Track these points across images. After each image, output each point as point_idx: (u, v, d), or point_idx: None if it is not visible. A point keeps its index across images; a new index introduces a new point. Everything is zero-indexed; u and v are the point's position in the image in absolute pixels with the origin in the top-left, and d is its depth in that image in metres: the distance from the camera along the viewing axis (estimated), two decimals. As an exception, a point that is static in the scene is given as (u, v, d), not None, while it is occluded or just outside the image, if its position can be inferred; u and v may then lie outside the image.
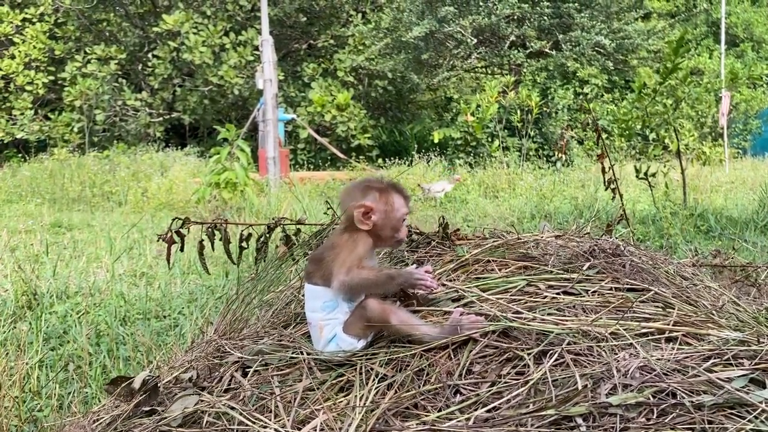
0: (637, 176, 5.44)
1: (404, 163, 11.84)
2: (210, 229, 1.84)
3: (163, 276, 4.34)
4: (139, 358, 2.84)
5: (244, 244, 1.93)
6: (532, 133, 12.08)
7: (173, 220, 1.81)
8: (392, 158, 12.76)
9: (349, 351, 1.53)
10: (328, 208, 2.00)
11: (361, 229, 1.61)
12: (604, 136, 3.14)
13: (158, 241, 1.76)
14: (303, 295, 1.72)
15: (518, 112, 12.10)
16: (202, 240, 1.89)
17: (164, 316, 3.53)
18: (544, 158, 11.97)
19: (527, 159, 11.62)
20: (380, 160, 13.35)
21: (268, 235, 1.92)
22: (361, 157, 14.27)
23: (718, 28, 16.86)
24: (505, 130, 12.10)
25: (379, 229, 1.63)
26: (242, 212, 7.16)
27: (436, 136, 13.11)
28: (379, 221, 1.62)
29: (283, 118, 12.57)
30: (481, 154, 11.65)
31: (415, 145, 13.76)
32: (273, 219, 1.91)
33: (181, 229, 1.79)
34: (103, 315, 3.47)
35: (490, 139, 11.90)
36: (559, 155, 11.90)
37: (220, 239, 1.89)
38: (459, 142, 12.13)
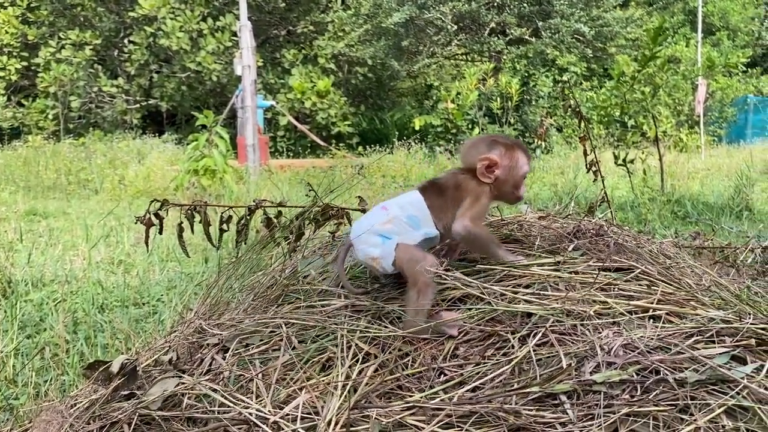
0: (615, 163, 5.48)
1: (385, 151, 11.80)
2: (189, 211, 1.81)
3: (141, 263, 4.29)
4: (117, 345, 2.79)
5: (224, 226, 1.91)
6: (512, 120, 12.11)
7: (151, 201, 1.78)
8: (373, 146, 12.71)
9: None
10: (309, 190, 1.98)
11: (484, 182, 1.63)
12: (583, 123, 3.14)
13: (136, 223, 1.72)
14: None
15: (498, 99, 12.11)
16: (181, 222, 1.86)
17: (143, 304, 3.49)
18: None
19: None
20: (360, 148, 13.30)
21: (248, 218, 1.90)
22: (341, 144, 14.20)
23: (695, 16, 16.99)
24: (486, 118, 12.11)
25: (500, 184, 1.64)
26: (221, 200, 7.10)
27: (417, 124, 13.09)
28: (502, 176, 1.64)
29: (262, 104, 12.46)
30: (462, 141, 11.65)
31: (396, 133, 13.72)
32: (254, 201, 1.88)
33: (159, 212, 1.76)
34: (81, 302, 3.42)
35: (470, 127, 11.91)
36: (539, 142, 11.94)
37: (200, 222, 1.86)
38: (439, 129, 12.12)
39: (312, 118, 15.23)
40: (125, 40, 15.67)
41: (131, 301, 3.50)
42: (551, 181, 8.17)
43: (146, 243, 1.79)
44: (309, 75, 15.61)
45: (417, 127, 13.02)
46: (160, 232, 1.82)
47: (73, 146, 11.22)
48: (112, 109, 15.34)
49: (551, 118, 12.83)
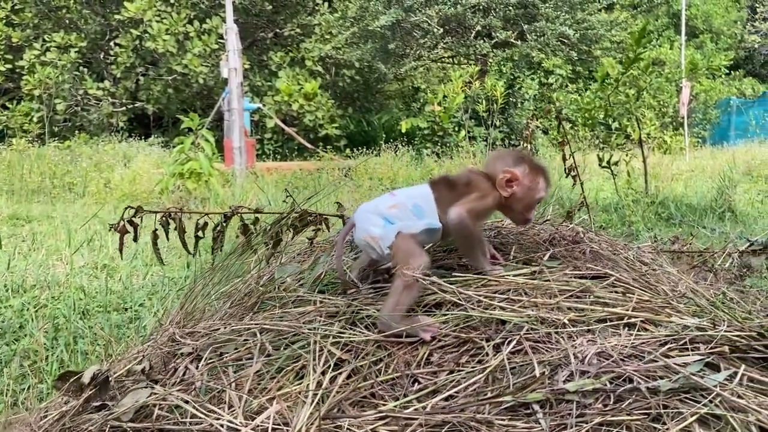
0: (600, 165, 5.51)
1: (372, 153, 11.79)
2: (164, 218, 1.79)
3: (124, 268, 4.25)
4: (98, 351, 2.77)
5: (200, 233, 1.89)
6: (498, 123, 12.14)
7: (125, 209, 1.76)
8: (360, 148, 12.70)
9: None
10: (287, 197, 1.97)
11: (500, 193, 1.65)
12: (568, 125, 3.16)
13: (110, 230, 1.71)
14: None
15: (484, 102, 12.15)
16: (156, 230, 1.84)
17: (125, 309, 3.46)
18: (510, 147, 12.05)
19: (493, 148, 11.68)
20: (348, 150, 13.28)
21: (224, 224, 1.88)
22: (328, 147, 14.16)
23: (678, 19, 17.13)
24: (472, 120, 12.14)
25: (514, 201, 1.66)
26: (207, 203, 7.06)
27: (404, 126, 13.09)
28: (519, 193, 1.66)
29: (248, 107, 12.41)
30: (448, 144, 11.69)
31: (383, 135, 13.72)
32: (230, 207, 1.87)
33: (134, 218, 1.74)
34: (62, 308, 3.39)
35: (456, 129, 11.94)
36: (525, 144, 11.97)
37: (175, 229, 1.84)
38: (426, 131, 12.15)
39: (299, 120, 15.19)
40: (111, 43, 15.55)
41: (113, 307, 3.47)
42: (537, 184, 8.18)
43: (120, 251, 1.78)
44: (296, 77, 15.56)
45: (404, 130, 13.02)
46: (135, 240, 1.80)
47: (58, 149, 11.11)
48: (97, 112, 15.22)
49: (537, 120, 12.87)
